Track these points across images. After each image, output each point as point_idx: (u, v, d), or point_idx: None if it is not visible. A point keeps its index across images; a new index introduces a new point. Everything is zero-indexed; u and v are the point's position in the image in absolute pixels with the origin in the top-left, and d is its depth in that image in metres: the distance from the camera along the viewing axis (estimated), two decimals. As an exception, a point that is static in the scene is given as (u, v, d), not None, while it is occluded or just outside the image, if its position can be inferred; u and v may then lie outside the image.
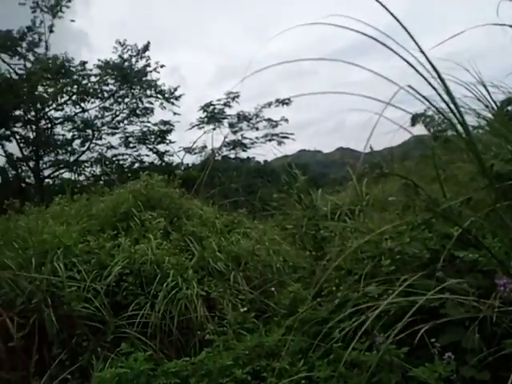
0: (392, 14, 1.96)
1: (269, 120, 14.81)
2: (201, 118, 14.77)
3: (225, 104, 14.43)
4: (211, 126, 14.49)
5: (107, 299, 3.75)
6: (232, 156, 16.83)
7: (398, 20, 1.96)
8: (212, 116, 14.57)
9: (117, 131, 15.63)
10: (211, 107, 14.63)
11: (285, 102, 13.75)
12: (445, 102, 1.87)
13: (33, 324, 3.33)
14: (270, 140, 14.97)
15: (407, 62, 1.69)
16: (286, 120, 14.56)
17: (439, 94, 1.84)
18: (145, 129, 15.53)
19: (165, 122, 15.58)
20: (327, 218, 4.32)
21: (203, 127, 14.59)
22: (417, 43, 1.91)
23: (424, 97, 1.81)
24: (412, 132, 3.25)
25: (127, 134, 15.56)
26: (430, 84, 1.85)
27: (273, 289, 4.06)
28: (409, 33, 1.93)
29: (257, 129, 14.90)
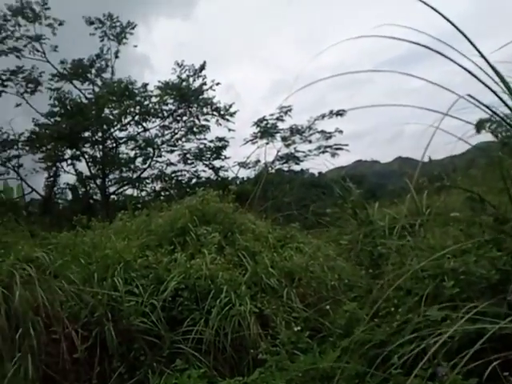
0: (449, 20, 1.84)
1: (322, 132, 14.66)
2: (254, 133, 15.03)
3: (277, 118, 14.53)
4: (264, 141, 14.64)
5: (163, 314, 3.84)
6: (285, 169, 16.84)
7: (455, 26, 1.83)
8: (265, 131, 14.71)
9: (175, 148, 16.32)
10: (264, 122, 14.80)
11: (338, 114, 13.54)
12: (509, 108, 1.71)
13: (95, 337, 3.49)
14: (323, 152, 14.81)
15: (466, 70, 1.56)
16: (341, 131, 14.33)
17: (503, 101, 1.68)
18: (201, 145, 16.06)
19: (220, 139, 16.00)
20: (385, 234, 4.11)
21: (256, 142, 14.80)
22: (477, 49, 1.78)
23: (486, 105, 1.66)
24: (475, 140, 3.02)
25: (185, 151, 16.17)
26: (491, 90, 1.70)
27: (328, 307, 3.93)
28: (468, 39, 1.80)
29: (310, 141, 14.81)
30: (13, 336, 3.04)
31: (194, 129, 15.82)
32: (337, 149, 14.59)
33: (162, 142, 16.36)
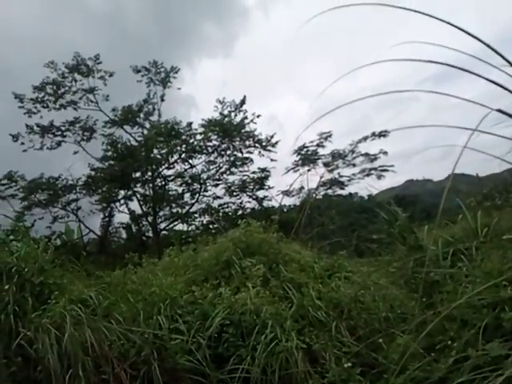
0: (481, 40, 1.75)
1: (366, 155, 14.34)
2: (295, 161, 15.03)
3: (317, 145, 14.49)
4: (306, 168, 14.58)
5: (209, 351, 3.80)
6: (331, 194, 16.58)
7: (489, 46, 1.73)
8: (305, 158, 14.68)
9: (219, 182, 16.70)
10: (305, 149, 14.80)
11: (381, 135, 13.23)
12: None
13: (143, 376, 3.49)
14: (367, 175, 14.42)
15: (497, 84, 1.46)
16: (385, 152, 13.95)
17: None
18: (244, 177, 16.31)
19: (262, 170, 16.16)
20: (438, 259, 3.85)
21: (298, 170, 14.77)
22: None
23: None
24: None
25: (229, 184, 16.47)
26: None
27: (380, 340, 3.69)
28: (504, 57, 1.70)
29: (354, 165, 14.54)
30: (64, 376, 3.12)
31: (236, 162, 16.12)
32: (382, 170, 14.17)
33: (208, 177, 16.82)
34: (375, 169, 14.17)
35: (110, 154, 15.92)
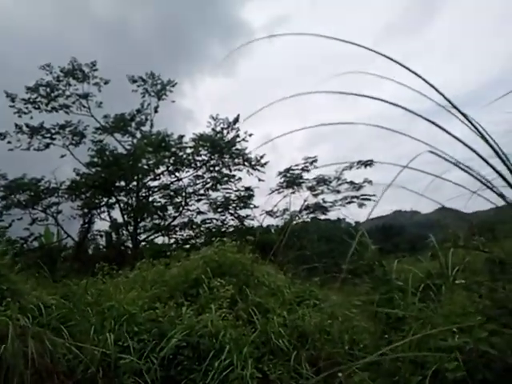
0: (443, 95, 1.70)
1: (351, 183, 14.42)
2: (280, 182, 15.04)
3: (302, 169, 14.54)
4: (290, 190, 14.59)
5: (162, 373, 3.62)
6: (318, 218, 16.56)
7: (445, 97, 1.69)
8: (289, 181, 14.72)
9: (203, 198, 16.59)
10: (290, 172, 14.83)
11: (367, 164, 13.34)
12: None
13: (87, 395, 3.30)
14: (349, 202, 14.49)
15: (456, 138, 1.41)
16: (370, 181, 14.09)
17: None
18: (228, 195, 16.24)
19: (246, 188, 16.14)
20: (405, 294, 3.76)
21: (282, 191, 14.77)
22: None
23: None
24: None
25: (211, 200, 16.38)
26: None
27: (340, 374, 3.56)
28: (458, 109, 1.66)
29: (338, 191, 14.60)
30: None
31: (224, 178, 16.07)
32: (364, 199, 14.26)
33: (194, 191, 16.69)
34: (357, 197, 14.27)
35: (95, 160, 15.74)
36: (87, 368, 3.45)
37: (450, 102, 1.54)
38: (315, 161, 14.40)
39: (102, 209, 16.20)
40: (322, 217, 15.59)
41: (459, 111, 1.52)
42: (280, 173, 14.91)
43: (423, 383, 2.09)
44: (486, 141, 1.40)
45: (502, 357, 1.78)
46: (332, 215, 16.12)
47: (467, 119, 1.48)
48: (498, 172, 1.39)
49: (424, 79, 1.56)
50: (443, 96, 1.59)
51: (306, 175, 14.79)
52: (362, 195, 14.16)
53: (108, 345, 3.58)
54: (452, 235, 5.15)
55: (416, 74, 1.44)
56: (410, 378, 2.45)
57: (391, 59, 1.51)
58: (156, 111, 18.66)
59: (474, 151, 1.41)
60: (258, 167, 16.92)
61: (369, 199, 14.03)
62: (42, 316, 4.01)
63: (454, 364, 1.92)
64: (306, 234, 13.61)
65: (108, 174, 15.05)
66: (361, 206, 14.33)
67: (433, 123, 1.41)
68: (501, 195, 1.92)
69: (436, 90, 1.55)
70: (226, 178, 16.19)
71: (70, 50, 19.71)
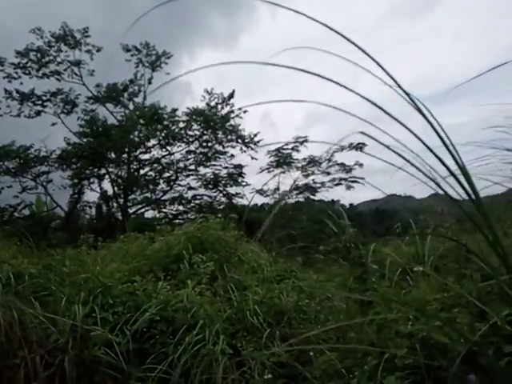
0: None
1: (342, 164, 14.39)
2: (270, 162, 14.96)
3: (292, 148, 14.46)
4: (280, 170, 14.54)
5: (135, 345, 3.64)
6: (313, 199, 16.57)
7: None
8: (279, 160, 14.65)
9: (193, 173, 16.48)
10: (281, 151, 14.74)
11: (358, 147, 13.29)
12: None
13: (57, 365, 3.32)
14: (337, 184, 14.51)
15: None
16: (361, 164, 14.07)
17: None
18: (217, 171, 16.16)
19: (235, 166, 16.05)
20: (380, 278, 3.78)
21: (273, 171, 14.71)
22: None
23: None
24: None
25: (199, 176, 16.31)
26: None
27: (311, 353, 3.60)
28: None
29: (328, 173, 14.57)
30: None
31: (216, 155, 15.93)
32: (352, 181, 14.28)
33: (185, 166, 16.57)
34: (345, 179, 14.28)
35: (85, 130, 15.50)
36: (59, 338, 3.46)
37: (407, 94, 1.47)
38: (305, 141, 14.35)
39: (92, 180, 16.05)
40: (317, 198, 15.66)
41: (415, 104, 1.45)
42: (269, 151, 14.85)
43: (378, 367, 2.10)
44: (437, 133, 1.35)
45: (454, 346, 1.77)
46: (327, 197, 16.17)
47: (421, 113, 1.41)
48: (442, 162, 1.34)
49: (387, 72, 1.47)
50: (403, 90, 1.51)
51: (296, 155, 14.81)
52: (351, 177, 14.18)
53: (79, 316, 3.57)
54: (425, 222, 5.17)
55: (381, 66, 1.36)
56: (371, 361, 2.47)
57: (362, 50, 1.42)
58: (150, 82, 18.31)
59: (423, 143, 1.36)
60: (252, 145, 16.81)
61: (357, 181, 14.08)
62: (18, 285, 4.00)
63: (402, 350, 1.92)
64: (299, 215, 13.63)
65: (97, 145, 14.85)
66: (349, 188, 14.39)
67: (390, 116, 1.35)
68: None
69: (395, 80, 1.46)
70: (217, 155, 16.04)
71: (62, 14, 19.01)
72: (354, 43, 1.43)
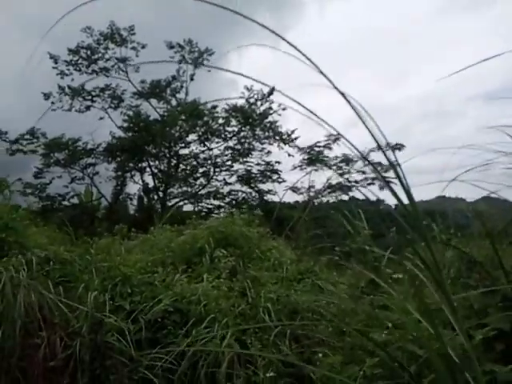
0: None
1: (379, 164, 13.87)
2: (304, 159, 14.81)
3: (324, 146, 14.20)
4: (313, 168, 14.35)
5: (148, 334, 3.77)
6: (357, 198, 16.26)
7: None
8: (310, 158, 14.46)
9: (229, 169, 16.65)
10: (314, 149, 14.54)
11: (396, 148, 12.79)
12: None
13: (75, 347, 3.50)
14: (369, 184, 14.11)
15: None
16: (398, 164, 13.37)
17: None
18: (249, 168, 16.24)
19: (266, 163, 16.03)
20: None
21: (305, 168, 14.54)
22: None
23: None
24: None
25: (232, 172, 16.48)
26: None
27: (320, 355, 3.56)
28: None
29: (363, 172, 14.22)
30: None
31: (241, 151, 16.03)
32: (386, 182, 13.67)
33: (223, 162, 16.83)
34: (377, 178, 13.84)
35: (127, 125, 16.13)
36: (76, 323, 3.66)
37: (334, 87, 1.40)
38: (338, 139, 14.01)
39: (134, 173, 16.70)
40: (361, 197, 15.32)
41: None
42: (300, 149, 14.65)
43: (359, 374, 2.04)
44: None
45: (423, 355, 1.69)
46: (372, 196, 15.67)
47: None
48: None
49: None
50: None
51: (331, 153, 14.51)
52: (385, 177, 13.63)
53: (97, 303, 3.76)
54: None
55: (307, 56, 1.32)
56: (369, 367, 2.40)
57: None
58: (192, 79, 18.70)
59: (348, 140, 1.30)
60: (289, 142, 16.73)
61: (391, 181, 13.52)
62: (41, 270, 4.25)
63: (373, 360, 1.86)
64: (336, 214, 13.27)
65: (138, 139, 15.42)
66: (382, 188, 13.90)
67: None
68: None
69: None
70: (249, 151, 16.11)
71: (114, 13, 19.76)
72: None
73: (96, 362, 3.42)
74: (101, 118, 18.30)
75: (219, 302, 4.17)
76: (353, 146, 1.35)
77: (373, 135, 1.29)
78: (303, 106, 1.33)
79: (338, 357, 3.16)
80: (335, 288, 5.06)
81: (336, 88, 1.22)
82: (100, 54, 17.79)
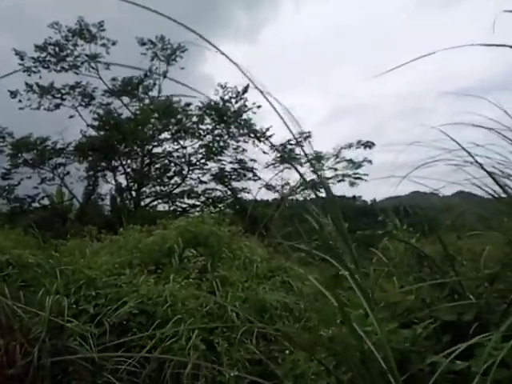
0: None
1: (350, 161, 14.20)
2: (276, 157, 14.88)
3: (296, 143, 14.33)
4: (286, 166, 14.47)
5: (112, 338, 3.71)
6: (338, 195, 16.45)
7: None
8: (282, 156, 14.59)
9: (204, 167, 16.58)
10: (286, 147, 14.64)
11: (367, 145, 13.05)
12: None
13: (33, 354, 3.41)
14: (340, 181, 14.34)
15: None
16: (369, 161, 13.85)
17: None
18: (222, 166, 16.22)
19: (239, 161, 16.04)
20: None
21: (278, 166, 14.64)
22: None
23: None
24: None
25: (204, 171, 16.41)
26: None
27: (287, 352, 3.58)
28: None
29: (335, 169, 14.41)
30: None
31: (213, 149, 15.98)
32: (356, 178, 14.08)
33: (197, 160, 16.70)
34: (349, 176, 14.07)
35: (97, 123, 15.80)
36: (37, 328, 3.56)
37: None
38: (309, 136, 14.17)
39: (105, 172, 16.36)
40: (338, 194, 15.56)
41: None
42: (271, 146, 14.77)
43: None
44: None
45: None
46: (349, 192, 16.00)
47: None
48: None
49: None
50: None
51: (300, 150, 14.58)
52: (355, 174, 13.99)
53: (60, 308, 3.67)
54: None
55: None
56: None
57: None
58: (165, 76, 18.45)
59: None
60: (264, 140, 16.74)
61: (361, 178, 13.90)
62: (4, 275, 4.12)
63: (322, 354, 1.89)
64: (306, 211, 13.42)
65: (107, 138, 15.12)
66: (352, 184, 14.22)
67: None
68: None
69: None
70: (225, 149, 16.06)
71: (81, 8, 19.24)
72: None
73: (57, 367, 3.34)
74: (71, 117, 17.86)
75: (186, 303, 4.15)
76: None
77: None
78: (272, 105, 1.32)
79: (302, 353, 3.20)
80: (304, 285, 5.12)
81: (266, 99, 1.22)
82: (69, 51, 17.32)
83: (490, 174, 1.59)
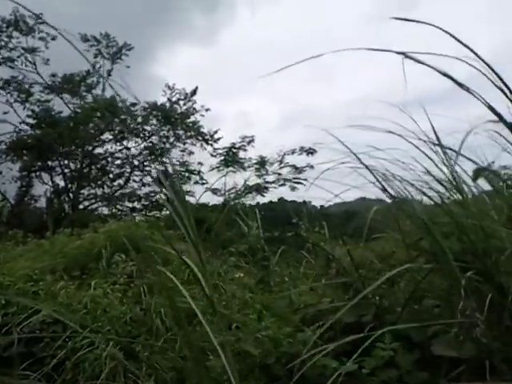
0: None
1: (293, 166, 14.57)
2: (221, 161, 14.90)
3: (239, 148, 14.48)
4: (231, 169, 14.53)
5: (22, 349, 3.45)
6: (286, 200, 16.60)
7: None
8: (225, 159, 14.65)
9: (147, 169, 16.19)
10: (230, 151, 14.72)
11: (309, 152, 13.50)
12: None
13: None
14: (281, 185, 14.72)
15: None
16: (311, 166, 14.27)
17: None
18: (163, 169, 15.93)
19: (181, 163, 15.88)
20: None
21: (223, 170, 14.66)
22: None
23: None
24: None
25: (145, 173, 16.08)
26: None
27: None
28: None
29: (279, 174, 14.71)
30: None
31: (155, 151, 15.72)
32: (296, 183, 14.51)
33: (141, 162, 16.25)
34: (289, 180, 14.45)
35: (31, 121, 14.90)
36: None
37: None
38: (252, 140, 14.34)
39: (39, 173, 15.44)
40: (290, 198, 15.77)
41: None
42: (214, 149, 14.79)
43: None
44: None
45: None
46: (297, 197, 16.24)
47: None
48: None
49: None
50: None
51: (245, 154, 14.78)
52: (295, 178, 14.38)
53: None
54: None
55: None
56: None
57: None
58: (109, 74, 17.79)
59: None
60: (211, 142, 16.66)
61: (301, 183, 14.32)
62: None
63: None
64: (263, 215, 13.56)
65: (42, 136, 14.28)
66: (293, 189, 14.58)
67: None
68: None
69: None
70: (169, 151, 15.81)
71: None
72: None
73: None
74: (5, 113, 16.69)
75: (107, 310, 3.96)
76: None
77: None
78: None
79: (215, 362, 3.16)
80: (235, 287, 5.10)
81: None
82: (3, 43, 16.21)
83: (373, 173, 1.66)
